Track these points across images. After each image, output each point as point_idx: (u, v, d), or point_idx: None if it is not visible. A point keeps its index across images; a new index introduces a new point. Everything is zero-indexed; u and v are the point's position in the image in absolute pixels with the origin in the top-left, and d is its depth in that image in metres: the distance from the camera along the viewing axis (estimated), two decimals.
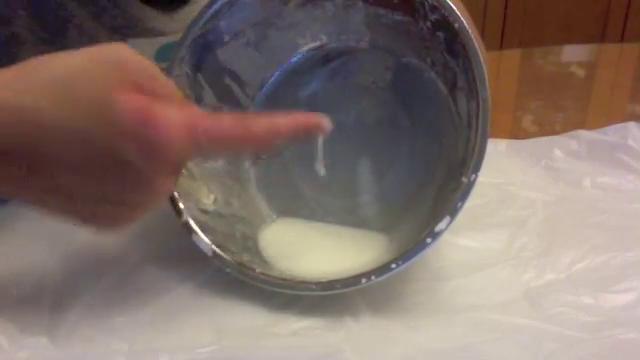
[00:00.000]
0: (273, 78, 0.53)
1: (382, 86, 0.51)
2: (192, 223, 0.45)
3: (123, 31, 0.57)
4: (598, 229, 0.51)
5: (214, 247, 0.44)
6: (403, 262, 0.41)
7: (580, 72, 0.86)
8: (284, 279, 0.43)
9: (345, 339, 0.41)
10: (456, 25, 0.43)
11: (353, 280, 0.42)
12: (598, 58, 0.94)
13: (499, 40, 1.83)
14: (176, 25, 0.53)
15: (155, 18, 0.58)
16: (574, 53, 0.94)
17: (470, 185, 0.41)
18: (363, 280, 0.41)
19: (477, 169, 0.41)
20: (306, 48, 0.52)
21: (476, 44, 0.42)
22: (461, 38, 0.42)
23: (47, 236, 0.49)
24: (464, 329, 0.41)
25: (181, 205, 0.45)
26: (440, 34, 0.45)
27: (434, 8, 0.44)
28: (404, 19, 0.48)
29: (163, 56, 0.50)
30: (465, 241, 0.50)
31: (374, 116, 0.52)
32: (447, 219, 0.40)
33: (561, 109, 0.74)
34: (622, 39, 1.81)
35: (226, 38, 0.49)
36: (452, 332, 0.41)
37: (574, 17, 1.81)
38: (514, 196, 0.55)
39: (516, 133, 0.69)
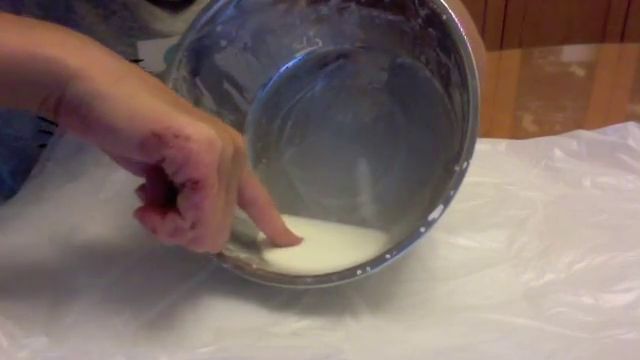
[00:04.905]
0: (271, 83, 0.53)
1: (378, 87, 0.52)
2: None
3: (131, 33, 0.57)
4: (598, 229, 0.51)
5: None
6: (398, 252, 0.41)
7: (580, 72, 0.86)
8: (281, 274, 0.43)
9: (345, 339, 0.41)
10: (444, 17, 0.43)
11: (349, 272, 0.41)
12: (598, 58, 0.94)
13: (499, 40, 1.83)
14: (183, 26, 0.54)
15: (163, 19, 0.58)
16: (574, 53, 0.94)
17: (462, 173, 0.40)
18: (359, 272, 0.41)
19: (469, 157, 0.41)
20: (303, 52, 0.53)
21: (464, 35, 0.42)
22: (450, 30, 0.43)
23: (47, 236, 0.49)
24: (464, 329, 0.41)
25: None
26: (431, 30, 0.45)
27: (423, 3, 0.44)
28: (396, 18, 0.48)
29: (171, 58, 0.51)
30: (465, 241, 0.50)
31: (371, 116, 0.52)
32: (440, 207, 0.40)
33: (561, 109, 0.74)
34: (622, 39, 1.82)
35: (223, 43, 0.50)
36: (452, 332, 0.41)
37: (574, 17, 1.81)
38: (514, 196, 0.55)
39: (516, 133, 0.69)
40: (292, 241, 0.47)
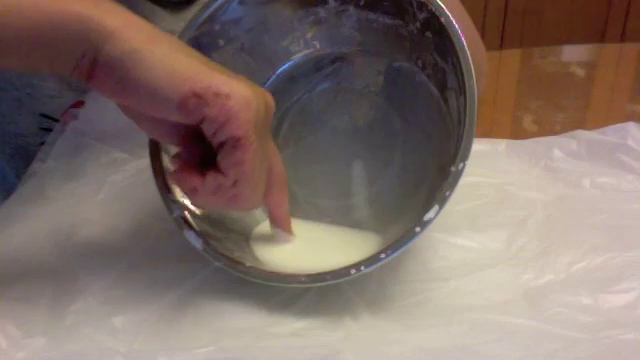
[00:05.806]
0: (268, 84, 0.53)
1: (374, 90, 0.52)
2: (184, 218, 0.45)
3: None
4: (598, 229, 0.50)
5: (204, 241, 0.44)
6: (392, 252, 0.41)
7: (580, 72, 0.86)
8: (275, 272, 0.43)
9: (344, 339, 0.41)
10: (442, 19, 0.43)
11: (343, 271, 0.41)
12: (598, 58, 0.94)
13: (499, 40, 1.83)
14: (184, 25, 0.54)
15: (163, 18, 0.58)
16: (574, 53, 0.94)
17: (458, 173, 0.40)
18: (353, 271, 0.41)
19: (465, 157, 0.41)
20: (299, 54, 0.53)
21: (462, 37, 0.42)
22: (448, 32, 0.43)
23: (46, 236, 0.49)
24: (463, 329, 0.41)
25: (173, 201, 0.45)
26: (429, 34, 0.45)
27: (422, 5, 0.44)
28: (394, 22, 0.48)
29: None
30: (464, 241, 0.50)
31: (367, 119, 0.52)
32: (436, 208, 0.40)
33: (561, 109, 0.74)
34: (622, 39, 1.81)
35: (221, 42, 0.50)
36: (451, 332, 0.41)
37: (574, 17, 1.81)
38: (514, 196, 0.55)
39: (516, 133, 0.69)
40: (288, 229, 0.47)
